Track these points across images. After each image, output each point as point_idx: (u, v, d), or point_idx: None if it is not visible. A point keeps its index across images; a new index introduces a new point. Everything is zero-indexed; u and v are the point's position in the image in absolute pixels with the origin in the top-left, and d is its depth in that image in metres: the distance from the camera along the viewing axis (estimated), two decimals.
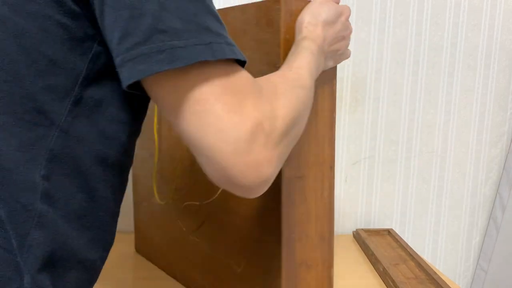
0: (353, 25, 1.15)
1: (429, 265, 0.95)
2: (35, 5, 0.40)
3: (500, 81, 1.24)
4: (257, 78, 0.44)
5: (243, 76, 0.41)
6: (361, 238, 1.09)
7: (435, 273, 0.89)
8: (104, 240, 0.48)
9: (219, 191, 0.74)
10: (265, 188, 0.41)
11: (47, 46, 0.41)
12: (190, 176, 0.81)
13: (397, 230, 1.26)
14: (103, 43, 0.42)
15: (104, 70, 0.43)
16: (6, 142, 0.40)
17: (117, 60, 0.40)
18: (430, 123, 1.23)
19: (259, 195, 0.41)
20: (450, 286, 0.84)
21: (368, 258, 1.01)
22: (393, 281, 0.86)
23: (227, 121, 0.37)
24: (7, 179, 0.40)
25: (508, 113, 1.26)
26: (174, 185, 0.86)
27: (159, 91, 0.40)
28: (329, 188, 0.72)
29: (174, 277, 0.90)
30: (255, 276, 0.70)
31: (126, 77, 0.39)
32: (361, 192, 1.24)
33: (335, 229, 1.23)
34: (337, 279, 0.92)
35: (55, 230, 0.42)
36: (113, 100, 0.45)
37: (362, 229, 1.15)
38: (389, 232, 1.15)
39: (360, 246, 1.09)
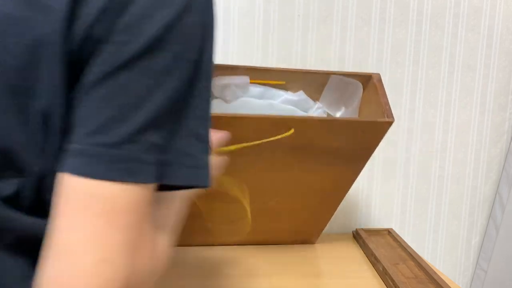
0: (353, 25, 1.16)
1: (429, 264, 0.95)
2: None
3: (499, 81, 1.24)
4: None
5: None
6: (361, 238, 1.09)
7: (435, 272, 0.89)
8: None
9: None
10: None
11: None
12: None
13: (397, 230, 1.26)
14: None
15: None
16: None
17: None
18: (430, 123, 1.23)
19: None
20: (450, 285, 0.84)
21: (368, 258, 1.02)
22: (392, 280, 0.86)
23: None
24: None
25: (508, 113, 1.26)
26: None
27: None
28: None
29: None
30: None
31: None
32: (361, 192, 1.24)
33: (335, 228, 1.23)
34: (337, 279, 0.93)
35: None
36: None
37: (362, 228, 1.15)
38: (389, 232, 1.15)
39: (360, 246, 1.09)
